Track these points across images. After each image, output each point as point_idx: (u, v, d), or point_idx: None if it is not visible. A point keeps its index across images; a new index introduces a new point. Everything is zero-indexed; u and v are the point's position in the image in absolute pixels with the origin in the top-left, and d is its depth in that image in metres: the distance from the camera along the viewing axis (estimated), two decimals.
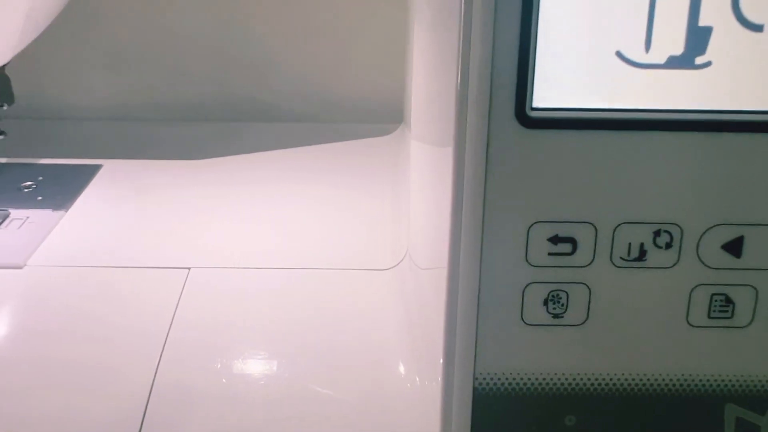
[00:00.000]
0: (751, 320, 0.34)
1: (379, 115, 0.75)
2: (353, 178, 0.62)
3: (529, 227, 0.33)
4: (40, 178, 0.61)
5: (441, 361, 0.35)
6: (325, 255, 0.51)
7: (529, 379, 0.35)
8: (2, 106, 0.56)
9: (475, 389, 0.35)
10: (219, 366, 0.42)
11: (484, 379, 0.35)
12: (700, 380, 0.35)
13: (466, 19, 0.31)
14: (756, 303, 0.34)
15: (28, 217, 0.55)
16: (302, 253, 0.52)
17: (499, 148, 0.32)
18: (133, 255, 0.51)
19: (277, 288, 0.48)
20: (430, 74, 0.39)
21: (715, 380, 0.35)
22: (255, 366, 0.42)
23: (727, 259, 0.33)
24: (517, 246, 0.33)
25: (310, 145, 0.68)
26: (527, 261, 0.33)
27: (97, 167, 0.63)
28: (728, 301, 0.34)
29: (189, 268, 0.50)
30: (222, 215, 0.56)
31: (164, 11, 0.72)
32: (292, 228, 0.55)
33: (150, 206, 0.57)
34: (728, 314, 0.34)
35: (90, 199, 0.58)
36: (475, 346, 0.34)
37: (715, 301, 0.34)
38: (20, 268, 0.49)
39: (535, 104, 0.32)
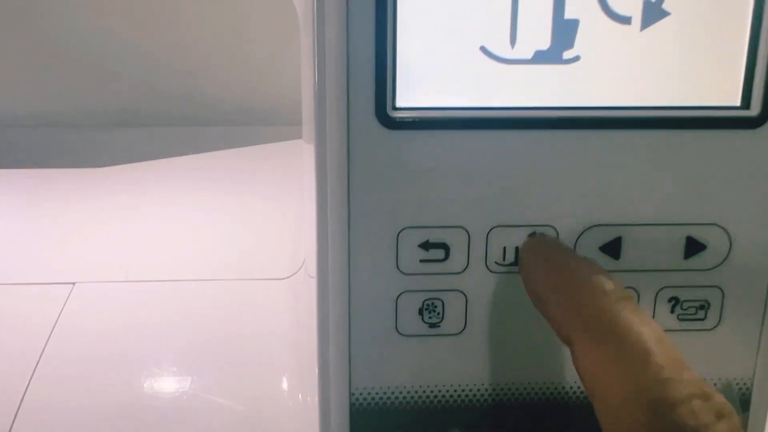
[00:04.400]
0: None
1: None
2: (261, 185, 0.60)
3: (399, 233, 0.31)
4: None
5: (316, 379, 0.33)
6: (221, 265, 0.49)
7: (408, 392, 0.33)
8: None
9: (352, 405, 0.33)
10: (93, 383, 0.39)
11: (361, 394, 0.33)
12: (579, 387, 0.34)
13: (320, 17, 0.29)
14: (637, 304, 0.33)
15: None
16: (198, 265, 0.49)
17: (361, 150, 0.30)
18: (13, 270, 0.48)
19: (169, 302, 0.46)
20: (307, 78, 0.38)
21: None
22: (134, 383, 0.40)
23: (606, 261, 0.32)
24: (387, 253, 0.31)
25: (224, 149, 0.66)
26: (399, 269, 0.32)
27: None
28: None
29: (74, 283, 0.47)
30: (115, 226, 0.53)
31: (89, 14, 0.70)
32: (190, 238, 0.52)
33: (39, 218, 0.54)
34: None
35: None
36: (350, 361, 0.33)
37: None
38: None
39: (398, 104, 0.30)
